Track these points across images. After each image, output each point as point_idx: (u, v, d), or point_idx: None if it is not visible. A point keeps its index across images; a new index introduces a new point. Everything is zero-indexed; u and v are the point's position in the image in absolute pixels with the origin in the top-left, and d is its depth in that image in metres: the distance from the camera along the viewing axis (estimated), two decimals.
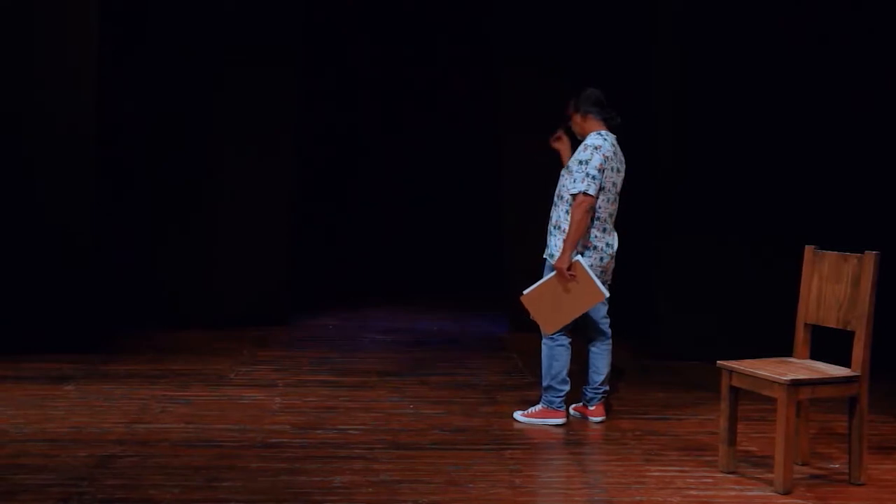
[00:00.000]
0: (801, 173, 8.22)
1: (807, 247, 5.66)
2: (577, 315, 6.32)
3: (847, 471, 5.45)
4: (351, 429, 6.28)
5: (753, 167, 8.27)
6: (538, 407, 6.54)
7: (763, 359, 5.55)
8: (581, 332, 6.56)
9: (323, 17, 11.73)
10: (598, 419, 6.56)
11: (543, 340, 6.47)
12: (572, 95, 6.54)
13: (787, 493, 5.18)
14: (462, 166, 12.74)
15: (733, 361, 5.47)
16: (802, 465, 5.62)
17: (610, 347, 6.59)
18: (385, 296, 11.56)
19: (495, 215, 10.40)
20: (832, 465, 5.71)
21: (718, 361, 5.53)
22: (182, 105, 9.38)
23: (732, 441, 5.52)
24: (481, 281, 11.44)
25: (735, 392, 5.47)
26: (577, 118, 6.48)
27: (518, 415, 6.58)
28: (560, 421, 6.47)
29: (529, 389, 7.36)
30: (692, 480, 5.41)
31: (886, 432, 6.36)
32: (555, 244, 6.36)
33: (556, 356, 6.42)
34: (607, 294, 6.30)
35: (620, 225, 8.65)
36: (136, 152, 9.39)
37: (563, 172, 6.46)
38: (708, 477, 5.47)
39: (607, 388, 6.61)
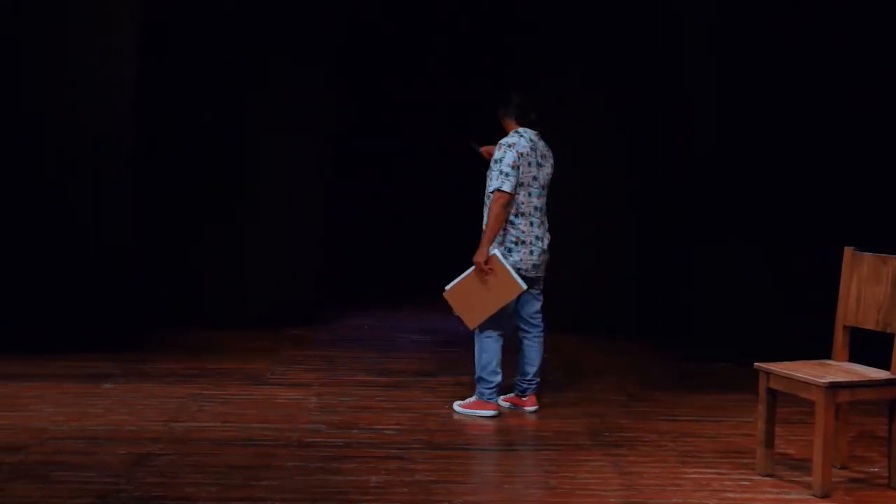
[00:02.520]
0: (837, 174, 8.13)
1: (846, 248, 5.61)
2: (497, 308, 6.47)
3: (887, 474, 5.40)
4: (386, 429, 6.29)
5: (785, 169, 8.21)
6: (472, 398, 6.69)
7: (801, 361, 5.51)
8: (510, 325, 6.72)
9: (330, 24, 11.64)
10: (533, 408, 6.74)
11: (475, 333, 6.61)
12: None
13: (825, 496, 5.15)
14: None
15: (771, 363, 5.44)
16: (841, 468, 5.57)
17: (541, 339, 6.77)
18: (419, 295, 11.54)
19: None
20: (872, 469, 5.66)
21: (756, 363, 5.50)
22: (212, 105, 9.40)
23: (770, 443, 5.48)
24: None
25: (772, 394, 5.44)
26: (502, 122, 6.70)
27: (456, 405, 6.74)
28: (491, 413, 6.59)
29: (565, 390, 7.36)
30: (729, 483, 5.38)
31: None
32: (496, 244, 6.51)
33: (484, 348, 6.58)
34: (524, 286, 6.43)
35: (657, 231, 8.70)
36: (169, 152, 9.42)
37: (487, 173, 6.61)
38: (745, 480, 5.43)
39: (539, 379, 6.77)
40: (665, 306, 9.18)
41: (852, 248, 5.59)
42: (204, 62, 9.39)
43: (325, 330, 9.52)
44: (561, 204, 7.30)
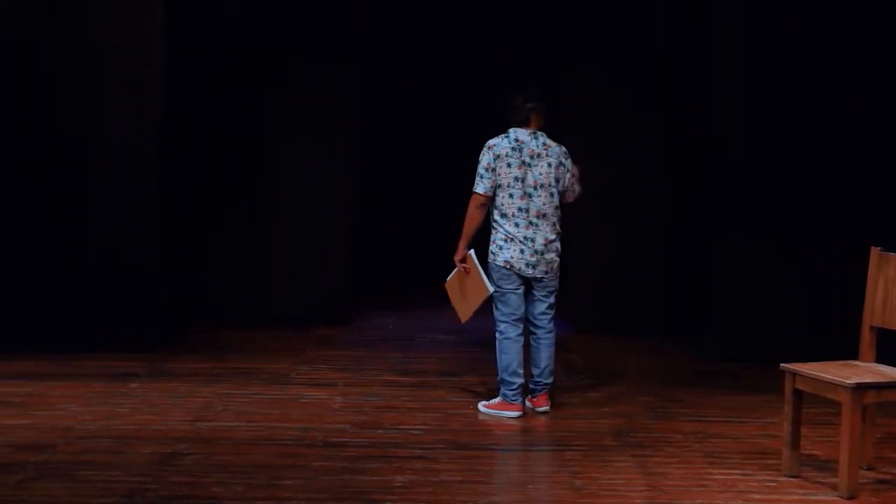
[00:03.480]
0: (844, 172, 8.08)
1: (872, 248, 5.58)
2: (476, 305, 6.72)
3: None
4: (411, 429, 6.30)
5: (808, 169, 8.14)
6: (497, 399, 6.71)
7: (828, 361, 5.48)
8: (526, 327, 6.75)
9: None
10: (542, 409, 6.71)
11: (495, 335, 6.71)
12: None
13: (851, 497, 5.12)
14: None
15: (797, 364, 5.42)
16: (868, 469, 5.54)
17: (549, 341, 6.73)
18: (444, 295, 11.52)
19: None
20: None
21: (782, 364, 5.48)
22: (237, 103, 9.42)
23: (796, 445, 5.46)
24: None
25: (799, 395, 5.42)
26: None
27: (480, 405, 6.76)
28: (515, 413, 6.59)
29: (590, 390, 7.34)
30: (755, 484, 5.37)
31: None
32: (490, 242, 6.65)
33: (504, 349, 6.63)
34: (491, 289, 6.57)
35: (665, 232, 8.62)
36: (193, 150, 9.43)
37: None
38: (771, 481, 5.42)
39: (549, 380, 6.73)
40: (671, 307, 9.16)
41: (879, 248, 5.55)
42: (206, 62, 9.37)
43: (349, 330, 9.53)
44: (571, 205, 7.28)
